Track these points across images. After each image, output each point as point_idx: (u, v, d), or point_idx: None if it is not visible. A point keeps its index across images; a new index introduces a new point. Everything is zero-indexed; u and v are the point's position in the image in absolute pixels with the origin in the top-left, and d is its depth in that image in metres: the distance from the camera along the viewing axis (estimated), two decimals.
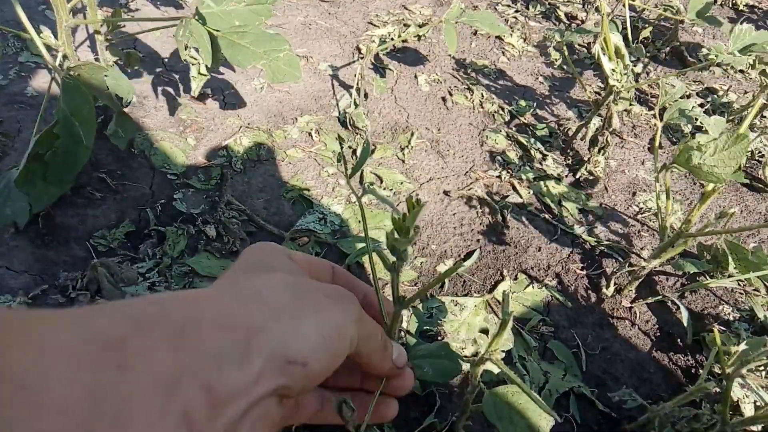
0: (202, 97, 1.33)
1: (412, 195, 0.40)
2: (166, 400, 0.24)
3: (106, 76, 1.06)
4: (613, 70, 1.15)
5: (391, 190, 1.20)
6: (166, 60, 1.43)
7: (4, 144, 1.17)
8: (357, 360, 0.38)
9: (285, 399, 0.31)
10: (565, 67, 1.61)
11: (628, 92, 1.29)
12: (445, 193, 1.21)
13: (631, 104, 1.46)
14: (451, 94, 1.48)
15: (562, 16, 1.82)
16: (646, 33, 1.65)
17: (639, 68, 1.63)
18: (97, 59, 1.21)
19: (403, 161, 1.27)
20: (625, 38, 1.59)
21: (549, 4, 1.88)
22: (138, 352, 0.24)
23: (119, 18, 1.06)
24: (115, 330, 0.25)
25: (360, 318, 0.36)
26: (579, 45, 1.72)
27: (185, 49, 1.16)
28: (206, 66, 0.96)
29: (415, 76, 1.53)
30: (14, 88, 1.29)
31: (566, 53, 1.30)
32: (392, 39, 1.61)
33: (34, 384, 0.21)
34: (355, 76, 1.40)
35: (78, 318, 0.25)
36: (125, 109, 1.11)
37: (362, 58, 1.53)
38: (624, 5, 1.56)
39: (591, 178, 1.27)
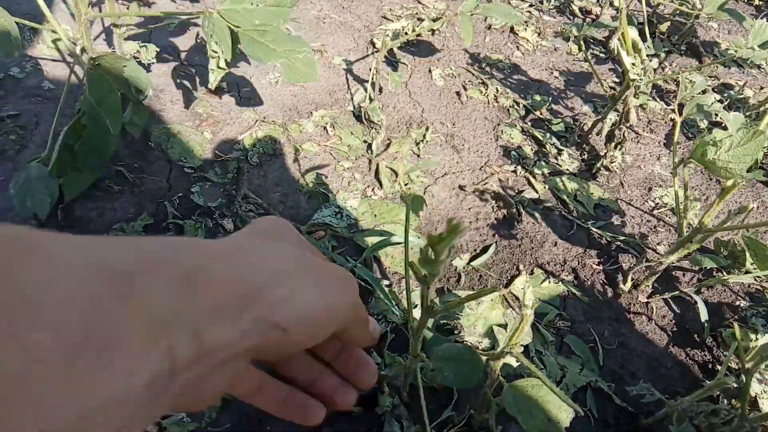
0: (218, 91, 1.34)
1: (453, 218, 0.40)
2: (156, 336, 0.25)
3: (125, 67, 1.07)
4: (633, 64, 1.15)
5: (406, 184, 1.20)
6: (181, 54, 1.44)
7: (23, 137, 1.18)
8: (338, 336, 0.38)
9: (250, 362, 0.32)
10: (581, 62, 1.60)
11: (647, 86, 1.28)
12: (461, 187, 1.21)
13: (648, 99, 1.45)
14: (465, 89, 1.48)
15: (577, 11, 1.81)
16: (662, 28, 1.64)
17: (655, 63, 1.62)
18: (113, 52, 1.22)
19: (418, 155, 1.27)
20: (641, 33, 1.58)
21: None
22: (141, 288, 0.25)
23: (137, 12, 1.07)
24: (124, 263, 0.25)
25: (356, 303, 0.37)
26: (594, 40, 1.71)
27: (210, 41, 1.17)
28: (225, 60, 0.97)
29: (429, 71, 1.53)
30: (31, 82, 1.30)
31: (583, 47, 1.29)
32: (406, 33, 1.61)
33: (35, 299, 0.21)
34: (370, 70, 1.40)
35: (90, 245, 0.25)
36: (143, 103, 1.12)
37: (376, 52, 1.53)
38: (640, 0, 1.55)
39: (607, 173, 1.27)
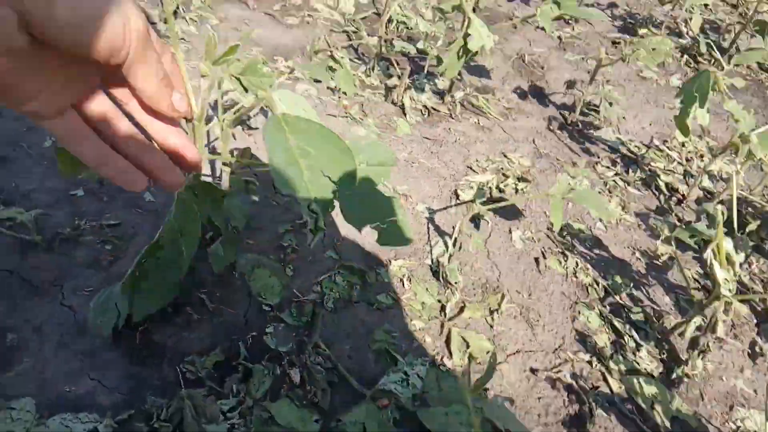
0: (303, 226, 1.38)
1: None
2: None
3: (224, 198, 1.12)
4: (726, 280, 1.12)
5: (476, 358, 1.18)
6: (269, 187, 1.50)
7: (118, 247, 1.23)
8: (129, 79, 0.41)
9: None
10: (669, 251, 1.58)
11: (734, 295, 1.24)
12: (532, 370, 1.17)
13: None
14: (544, 256, 1.47)
15: (662, 186, 1.81)
16: (753, 226, 1.61)
17: (741, 257, 1.57)
18: (210, 182, 1.28)
19: (492, 326, 1.25)
20: (729, 224, 1.56)
21: (649, 170, 1.88)
22: None
23: (248, 161, 1.13)
24: None
25: (137, 31, 0.38)
26: (679, 220, 1.69)
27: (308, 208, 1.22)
28: (323, 222, 1.00)
29: (509, 231, 1.53)
30: (132, 192, 1.37)
31: (674, 248, 1.28)
32: (490, 188, 1.64)
33: None
34: (453, 228, 1.42)
35: None
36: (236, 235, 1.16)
37: (458, 204, 1.56)
38: (731, 195, 1.54)
39: (687, 380, 1.21)
